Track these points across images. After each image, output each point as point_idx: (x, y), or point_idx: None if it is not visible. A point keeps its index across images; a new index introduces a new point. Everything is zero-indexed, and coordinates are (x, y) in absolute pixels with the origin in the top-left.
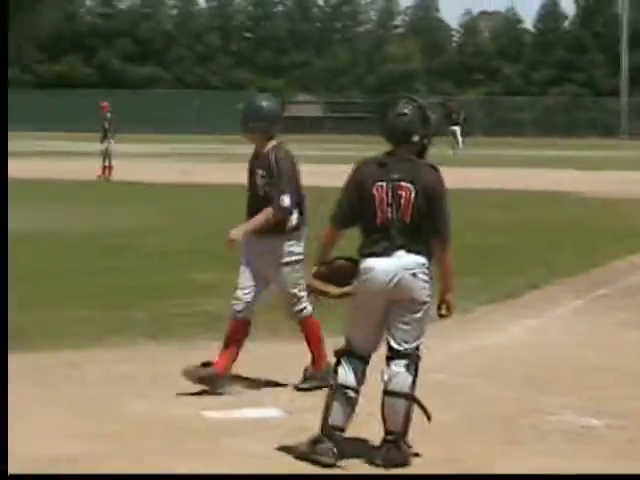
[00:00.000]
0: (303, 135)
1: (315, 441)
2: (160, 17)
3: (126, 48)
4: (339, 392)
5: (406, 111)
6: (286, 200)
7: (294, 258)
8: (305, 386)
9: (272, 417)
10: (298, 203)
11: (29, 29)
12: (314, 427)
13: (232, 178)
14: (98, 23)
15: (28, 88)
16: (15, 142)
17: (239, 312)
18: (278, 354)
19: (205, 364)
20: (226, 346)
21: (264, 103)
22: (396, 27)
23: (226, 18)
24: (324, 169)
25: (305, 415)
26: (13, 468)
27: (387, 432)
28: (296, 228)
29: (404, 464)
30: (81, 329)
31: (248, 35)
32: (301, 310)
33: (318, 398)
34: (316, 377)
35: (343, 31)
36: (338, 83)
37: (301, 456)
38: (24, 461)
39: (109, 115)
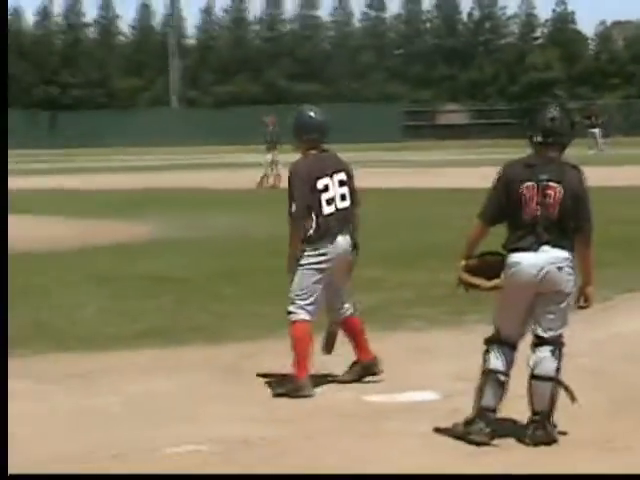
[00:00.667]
0: (451, 141)
1: (469, 422)
2: (319, 38)
3: (289, 67)
4: (490, 376)
5: (557, 115)
6: (293, 207)
7: (305, 265)
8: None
9: (429, 400)
10: (316, 214)
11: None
12: (468, 409)
13: (387, 183)
14: (264, 46)
15: (207, 108)
16: (194, 155)
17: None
18: (433, 342)
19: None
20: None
21: (313, 115)
22: (536, 38)
23: (379, 36)
24: (471, 172)
25: (459, 398)
26: (213, 448)
27: (534, 413)
28: (313, 238)
29: (550, 442)
30: (257, 322)
31: (399, 51)
32: (289, 313)
33: (471, 383)
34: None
35: (486, 44)
36: (483, 92)
37: (457, 436)
38: (216, 441)
39: (271, 128)
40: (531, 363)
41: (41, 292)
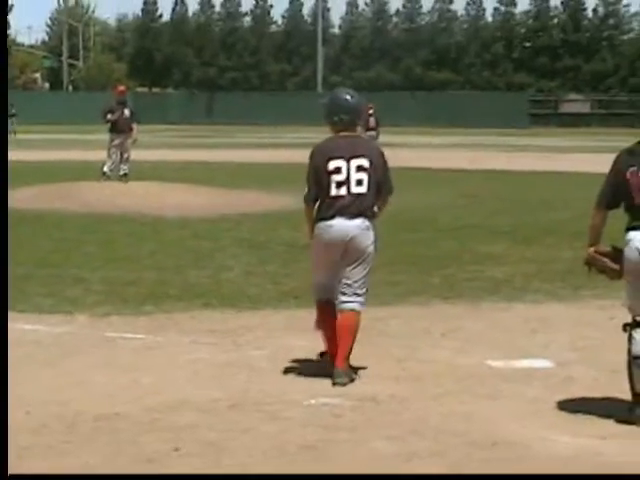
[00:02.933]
0: (574, 129)
1: (630, 408)
2: (453, 30)
3: (425, 56)
4: (635, 363)
5: None
6: (305, 189)
7: (312, 244)
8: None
9: (545, 367)
10: (323, 195)
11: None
12: (580, 377)
13: (513, 165)
14: (402, 36)
15: None
16: None
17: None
18: (551, 314)
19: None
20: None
21: (349, 97)
22: None
23: (509, 30)
24: (592, 158)
25: (573, 367)
26: (344, 402)
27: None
28: (317, 218)
29: None
30: (388, 290)
31: (527, 44)
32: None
33: (585, 352)
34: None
35: (610, 39)
36: (604, 84)
37: (621, 421)
38: (348, 397)
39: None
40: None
41: (192, 254)
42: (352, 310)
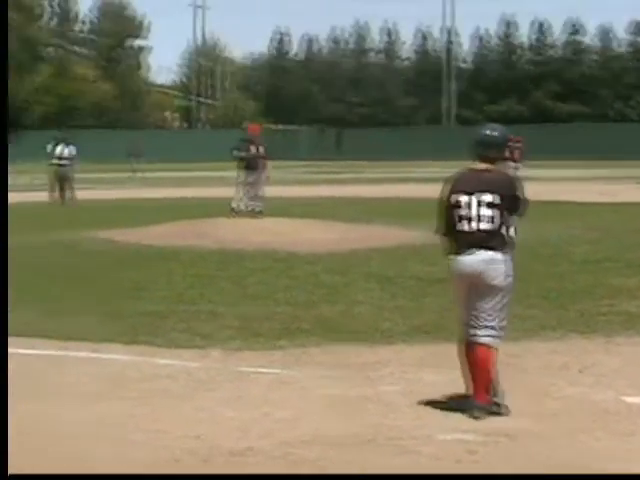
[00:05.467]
0: None
1: None
2: (584, 62)
3: (555, 89)
4: None
5: None
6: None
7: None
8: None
9: None
10: (451, 230)
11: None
12: None
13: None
14: (532, 69)
15: (479, 126)
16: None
17: None
18: None
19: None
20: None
21: (489, 132)
22: None
23: None
24: None
25: None
26: (478, 438)
27: None
28: (449, 253)
29: None
30: (523, 324)
31: None
32: None
33: None
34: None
35: None
36: None
37: None
38: (482, 432)
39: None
40: None
41: (324, 288)
42: (482, 344)
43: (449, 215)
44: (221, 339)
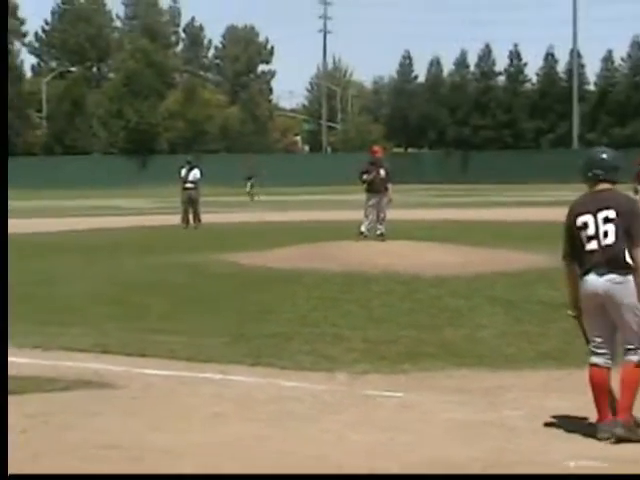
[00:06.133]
0: None
1: None
2: None
3: None
4: None
5: None
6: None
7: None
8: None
9: None
10: (579, 252)
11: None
12: None
13: None
14: None
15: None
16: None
17: None
18: None
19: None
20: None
21: (603, 155)
22: None
23: None
24: None
25: None
26: (604, 464)
27: None
28: (580, 276)
29: None
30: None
31: None
32: None
33: None
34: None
35: None
36: None
37: None
38: (610, 459)
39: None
40: None
41: (448, 312)
42: (627, 362)
43: (576, 237)
44: (346, 362)
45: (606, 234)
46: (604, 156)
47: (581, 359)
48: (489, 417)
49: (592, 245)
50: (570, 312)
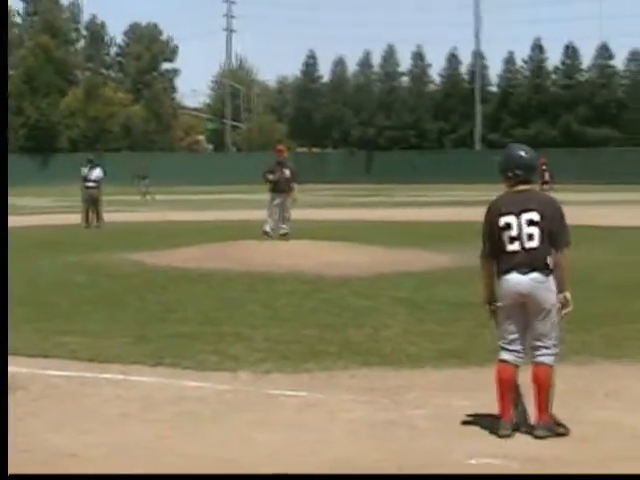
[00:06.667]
0: None
1: None
2: (614, 86)
3: (584, 113)
4: None
5: None
6: (481, 246)
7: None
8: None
9: None
10: (500, 252)
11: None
12: None
13: None
14: (561, 93)
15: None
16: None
17: None
18: None
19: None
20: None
21: (523, 153)
22: None
23: None
24: None
25: None
26: (506, 463)
27: None
28: (497, 275)
29: None
30: None
31: None
32: None
33: None
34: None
35: None
36: None
37: None
38: (511, 457)
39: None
40: None
41: (351, 312)
42: (541, 364)
43: (497, 237)
44: (249, 361)
45: (531, 237)
46: (522, 154)
47: (485, 358)
48: (393, 416)
49: (514, 246)
50: (488, 307)
